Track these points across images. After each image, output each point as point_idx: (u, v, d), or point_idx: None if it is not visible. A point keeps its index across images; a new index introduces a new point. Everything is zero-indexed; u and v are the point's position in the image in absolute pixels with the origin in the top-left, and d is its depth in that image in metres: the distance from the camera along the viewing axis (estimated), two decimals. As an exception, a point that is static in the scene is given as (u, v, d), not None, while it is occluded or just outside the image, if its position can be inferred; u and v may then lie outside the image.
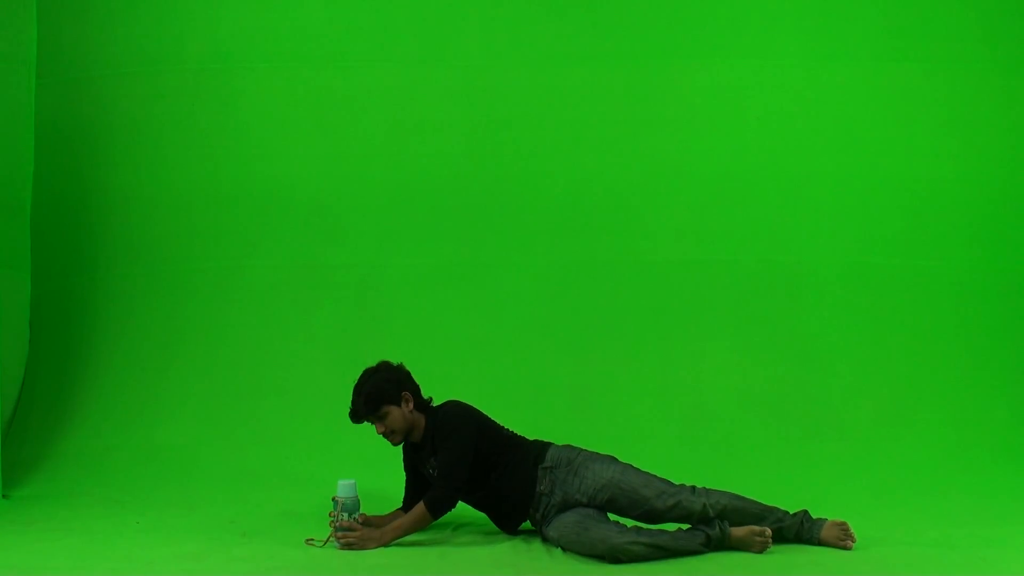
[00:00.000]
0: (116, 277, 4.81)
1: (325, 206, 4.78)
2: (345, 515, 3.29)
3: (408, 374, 3.48)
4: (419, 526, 3.33)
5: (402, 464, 3.61)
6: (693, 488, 3.30)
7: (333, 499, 3.31)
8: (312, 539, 3.33)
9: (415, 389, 3.46)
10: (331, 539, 3.29)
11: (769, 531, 3.19)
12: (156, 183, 4.81)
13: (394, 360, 3.49)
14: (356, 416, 3.40)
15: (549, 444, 3.48)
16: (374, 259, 4.76)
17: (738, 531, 3.22)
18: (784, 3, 4.82)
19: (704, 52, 4.81)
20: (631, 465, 3.38)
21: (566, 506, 3.33)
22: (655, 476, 3.34)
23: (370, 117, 4.81)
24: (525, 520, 3.46)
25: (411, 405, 3.42)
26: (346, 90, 4.82)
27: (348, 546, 3.25)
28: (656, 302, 4.71)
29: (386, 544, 3.29)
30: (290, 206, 4.78)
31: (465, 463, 3.32)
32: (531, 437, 3.55)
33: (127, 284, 4.80)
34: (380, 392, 3.37)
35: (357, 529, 3.27)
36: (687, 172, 4.78)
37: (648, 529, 3.22)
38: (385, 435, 3.42)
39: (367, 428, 3.48)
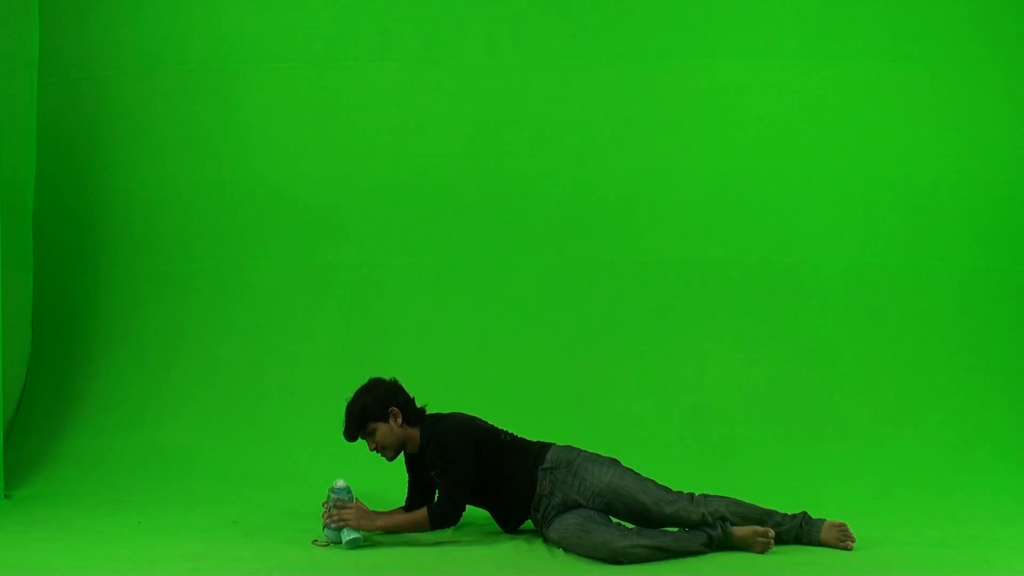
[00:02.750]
0: (118, 277, 4.81)
1: (327, 206, 4.78)
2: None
3: (398, 389, 3.48)
4: (414, 529, 3.34)
5: (404, 466, 3.62)
6: (691, 496, 3.28)
7: (330, 490, 3.31)
8: (318, 540, 3.34)
9: (405, 403, 3.46)
10: (326, 528, 3.29)
11: (772, 531, 3.19)
12: (158, 183, 4.82)
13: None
14: (347, 435, 3.45)
15: (550, 445, 3.47)
16: (375, 259, 4.76)
17: (740, 531, 3.21)
18: (785, 3, 4.82)
19: (705, 52, 4.81)
20: (631, 470, 3.36)
21: (566, 507, 3.32)
22: (654, 483, 3.32)
23: (371, 117, 4.82)
24: (527, 519, 3.46)
25: (399, 420, 3.42)
26: (348, 90, 4.82)
27: (340, 522, 3.24)
28: (657, 302, 4.71)
29: (373, 529, 3.28)
30: (292, 206, 4.78)
31: (467, 480, 3.33)
32: (533, 437, 3.54)
33: (129, 284, 4.80)
34: (365, 410, 3.39)
35: (351, 507, 3.26)
36: (689, 172, 4.78)
37: (649, 531, 3.22)
38: (377, 451, 3.44)
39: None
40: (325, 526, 3.31)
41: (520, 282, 4.73)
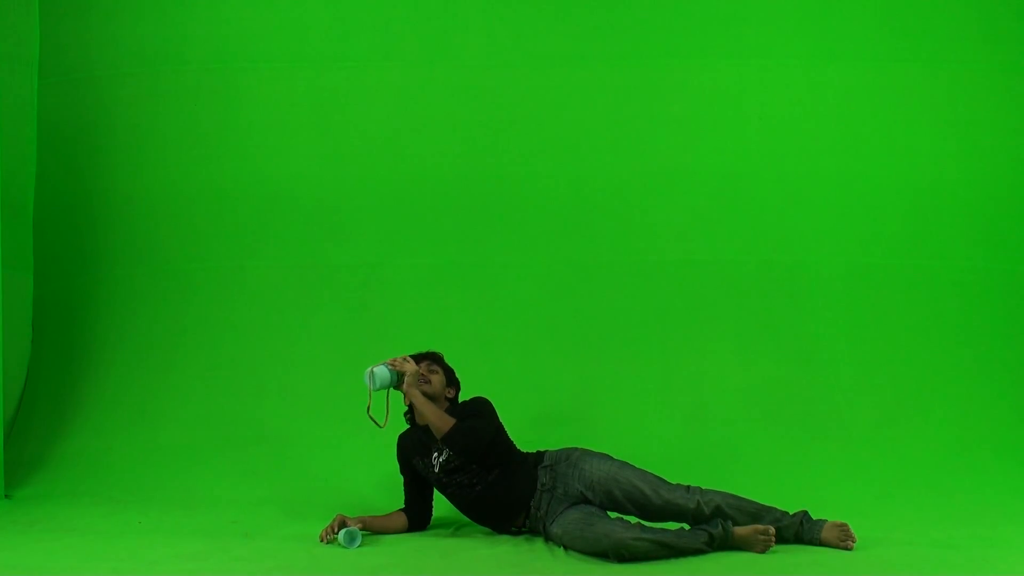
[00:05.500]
0: (118, 277, 4.81)
1: (327, 206, 4.78)
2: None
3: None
4: (438, 421, 3.41)
5: (399, 468, 3.65)
6: (688, 487, 3.35)
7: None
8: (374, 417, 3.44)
9: (458, 394, 3.69)
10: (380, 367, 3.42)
11: (773, 529, 3.20)
12: (158, 183, 4.82)
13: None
14: (423, 354, 3.65)
15: (547, 451, 3.58)
16: (376, 259, 4.76)
17: (741, 530, 3.22)
18: (785, 3, 4.82)
19: (705, 52, 4.81)
20: (627, 462, 3.44)
21: (568, 498, 3.38)
22: (650, 473, 3.41)
23: (372, 117, 4.82)
24: (519, 518, 3.48)
25: (451, 393, 3.66)
26: (348, 90, 4.82)
27: (404, 365, 3.43)
28: (658, 302, 4.70)
29: (412, 394, 3.43)
30: (292, 206, 4.78)
31: (490, 430, 3.45)
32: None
33: (129, 284, 4.80)
34: (445, 361, 3.70)
35: (411, 362, 3.46)
36: (689, 172, 4.78)
37: (652, 527, 3.24)
38: (423, 377, 3.55)
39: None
40: (387, 363, 3.42)
41: (521, 282, 4.72)
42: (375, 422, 3.45)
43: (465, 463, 3.45)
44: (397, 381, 3.45)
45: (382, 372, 3.41)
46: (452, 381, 3.69)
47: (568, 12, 4.83)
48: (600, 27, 4.81)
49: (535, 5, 4.83)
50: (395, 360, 3.46)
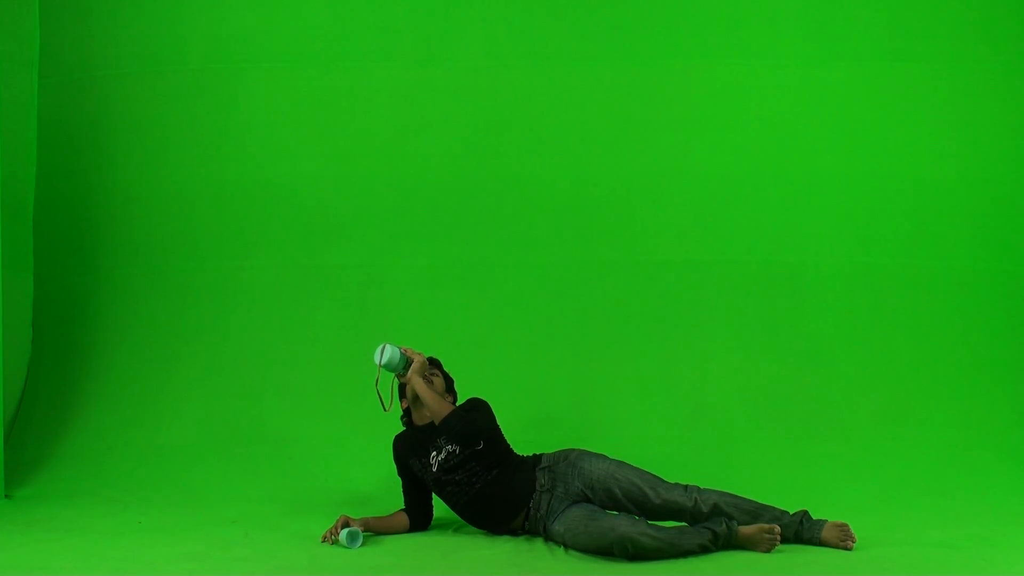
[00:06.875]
0: (118, 277, 4.81)
1: (327, 206, 4.78)
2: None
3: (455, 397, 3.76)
4: (437, 407, 3.45)
5: (396, 471, 3.66)
6: (686, 486, 3.37)
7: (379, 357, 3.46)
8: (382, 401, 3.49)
9: (456, 400, 3.71)
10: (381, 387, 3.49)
11: (778, 528, 3.20)
12: (158, 183, 4.82)
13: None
14: (428, 357, 3.64)
15: (543, 453, 3.59)
16: (376, 259, 4.76)
17: (746, 529, 3.23)
18: (785, 3, 4.82)
19: (706, 52, 4.81)
20: (624, 462, 3.46)
21: (568, 497, 3.39)
22: (647, 472, 3.43)
23: (372, 117, 4.81)
24: (518, 519, 3.48)
25: (449, 399, 3.67)
26: (348, 90, 4.82)
27: (413, 355, 3.49)
28: (658, 302, 4.71)
29: (416, 381, 3.47)
30: (292, 206, 4.78)
31: (488, 422, 3.49)
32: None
33: (129, 284, 4.80)
34: (445, 370, 3.74)
35: (421, 358, 3.50)
36: (689, 172, 4.78)
37: (657, 525, 3.24)
38: (427, 376, 3.57)
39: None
40: (401, 348, 3.48)
41: (520, 282, 4.72)
42: (380, 399, 3.48)
43: (464, 461, 3.45)
44: (404, 366, 3.47)
45: (393, 351, 3.45)
46: (451, 389, 3.72)
47: (568, 12, 4.82)
48: (600, 27, 4.81)
49: (535, 5, 4.83)
50: (408, 349, 3.51)
